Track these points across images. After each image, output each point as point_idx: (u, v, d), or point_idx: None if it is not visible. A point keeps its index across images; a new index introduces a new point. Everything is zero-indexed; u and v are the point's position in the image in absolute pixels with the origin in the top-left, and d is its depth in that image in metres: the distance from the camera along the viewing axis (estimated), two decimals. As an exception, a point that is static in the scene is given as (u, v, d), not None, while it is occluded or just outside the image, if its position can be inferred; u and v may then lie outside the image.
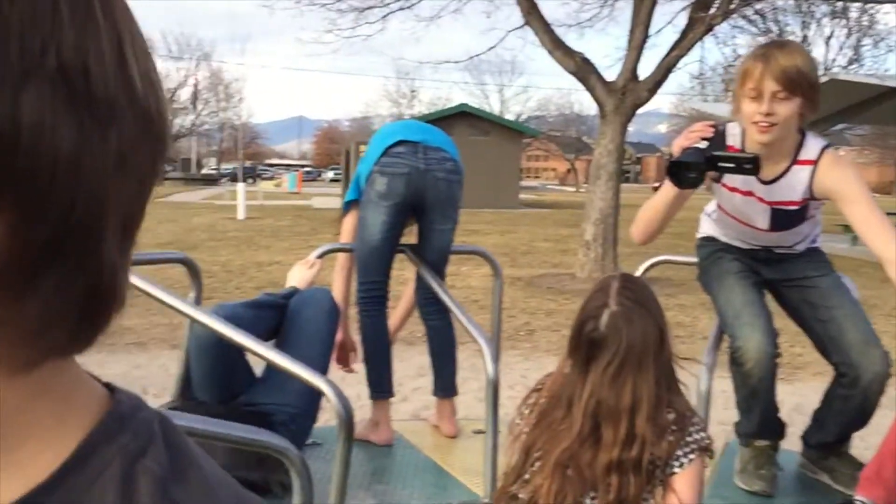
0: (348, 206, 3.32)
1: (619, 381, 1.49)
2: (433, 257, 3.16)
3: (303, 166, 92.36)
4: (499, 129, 28.75)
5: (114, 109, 0.37)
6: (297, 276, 3.07)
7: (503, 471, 1.69)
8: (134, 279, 2.32)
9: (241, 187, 21.13)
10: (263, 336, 2.75)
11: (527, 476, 1.57)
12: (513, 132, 29.80)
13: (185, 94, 58.91)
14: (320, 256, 3.20)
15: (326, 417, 3.52)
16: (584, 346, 1.55)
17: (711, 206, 2.79)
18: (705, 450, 1.56)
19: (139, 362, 5.66)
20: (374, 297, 3.18)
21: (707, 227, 2.85)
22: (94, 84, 0.36)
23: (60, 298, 0.37)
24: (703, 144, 2.28)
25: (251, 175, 58.75)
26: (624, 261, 11.10)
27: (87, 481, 0.39)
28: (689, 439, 1.53)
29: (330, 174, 68.57)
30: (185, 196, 35.34)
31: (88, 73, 0.35)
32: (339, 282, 3.35)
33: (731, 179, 2.46)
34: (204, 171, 73.07)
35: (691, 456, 1.53)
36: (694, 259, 2.88)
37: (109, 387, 0.44)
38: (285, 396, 2.67)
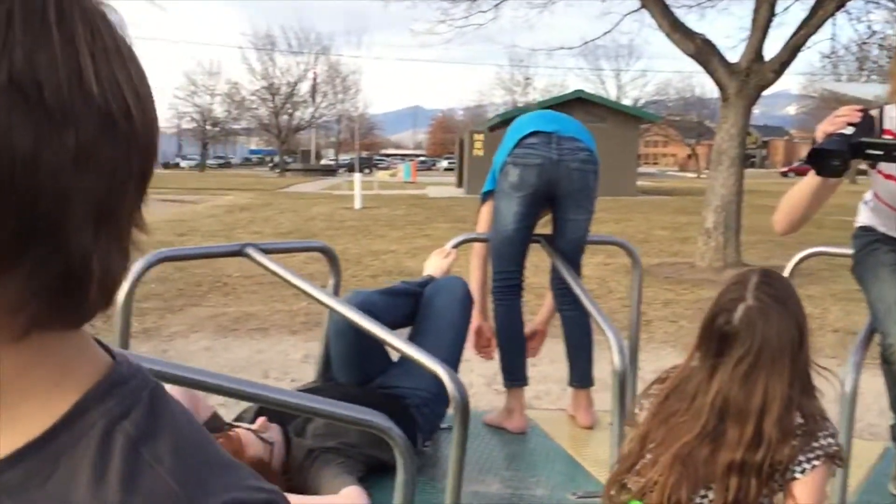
0: (485, 196, 3.35)
1: (751, 380, 1.42)
2: (568, 247, 3.14)
3: (417, 156, 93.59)
4: (615, 114, 28.17)
5: (68, 114, 0.42)
6: (433, 265, 3.15)
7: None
8: (276, 267, 2.46)
9: (357, 177, 21.59)
10: (398, 322, 2.90)
11: (638, 466, 1.52)
12: (630, 118, 29.13)
13: (304, 88, 60.73)
14: (456, 246, 3.26)
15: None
16: (715, 339, 1.48)
17: (869, 195, 2.61)
18: (832, 457, 1.46)
19: (261, 347, 5.87)
20: (508, 285, 3.19)
21: (864, 217, 2.66)
22: (46, 92, 0.41)
23: (36, 280, 0.43)
24: (850, 130, 2.12)
25: (367, 165, 59.98)
26: (747, 250, 10.65)
27: (75, 438, 0.45)
28: (814, 444, 1.44)
29: (444, 163, 69.15)
30: (305, 186, 36.47)
31: (40, 83, 0.40)
32: (476, 270, 3.39)
33: (887, 167, 2.29)
34: (322, 161, 75.17)
35: (815, 462, 1.44)
36: (849, 251, 2.70)
37: (116, 357, 0.51)
38: (419, 381, 2.74)
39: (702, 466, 1.42)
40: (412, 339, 2.90)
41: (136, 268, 2.46)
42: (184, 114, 68.59)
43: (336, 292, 2.93)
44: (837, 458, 1.47)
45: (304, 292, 2.45)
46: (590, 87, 49.92)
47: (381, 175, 45.23)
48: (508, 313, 3.21)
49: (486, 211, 3.33)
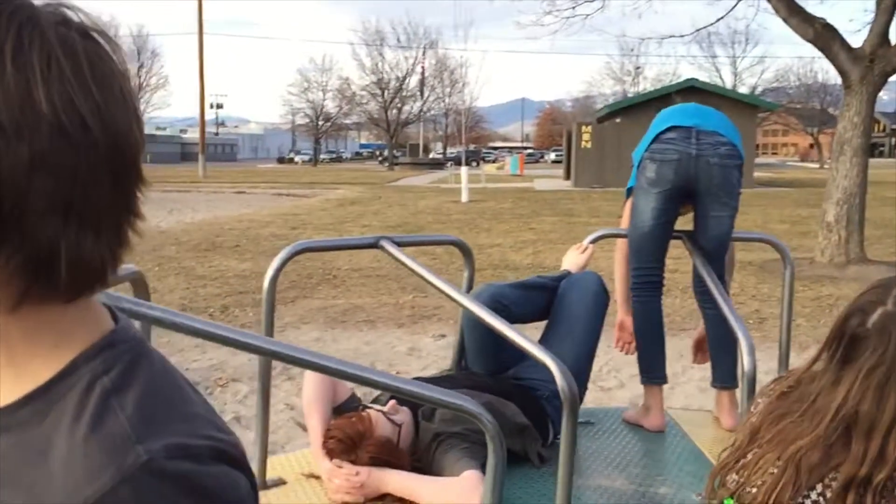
0: (629, 192, 3.35)
1: (885, 392, 1.34)
2: (710, 245, 3.09)
3: (525, 148, 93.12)
4: (731, 103, 27.14)
5: (20, 130, 0.52)
6: (570, 260, 3.18)
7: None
8: (408, 260, 2.55)
9: (464, 171, 21.71)
10: (531, 315, 2.98)
11: (740, 463, 1.48)
12: (746, 106, 28.03)
13: (412, 82, 61.44)
14: (594, 241, 3.26)
15: (596, 399, 3.57)
16: (845, 341, 1.41)
17: None
18: None
19: (368, 339, 6.01)
20: (646, 282, 3.17)
21: None
22: (2, 115, 0.52)
23: (13, 261, 0.54)
24: None
25: (475, 158, 60.14)
26: (872, 245, 10.09)
27: (65, 389, 0.57)
28: None
29: (552, 156, 68.52)
30: (413, 180, 36.95)
31: None
32: (620, 265, 3.39)
33: None
34: (431, 155, 75.90)
35: None
36: None
37: (118, 326, 0.62)
38: (551, 374, 2.78)
39: (808, 472, 1.37)
40: (546, 332, 2.96)
41: (279, 258, 2.57)
42: (297, 110, 70.69)
43: (470, 285, 3.00)
44: None
45: (432, 285, 2.51)
46: (704, 76, 48.37)
47: (487, 168, 45.29)
48: (646, 310, 3.18)
49: (628, 206, 3.33)
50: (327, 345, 5.70)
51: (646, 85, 60.13)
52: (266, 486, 2.48)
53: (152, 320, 1.90)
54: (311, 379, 2.61)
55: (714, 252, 3.11)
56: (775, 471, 1.40)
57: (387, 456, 2.40)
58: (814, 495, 1.37)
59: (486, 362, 2.92)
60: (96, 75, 0.57)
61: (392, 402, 2.52)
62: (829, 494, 1.35)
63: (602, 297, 3.00)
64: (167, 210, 18.31)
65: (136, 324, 2.10)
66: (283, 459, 2.77)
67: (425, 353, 5.58)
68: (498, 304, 2.82)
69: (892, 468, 1.32)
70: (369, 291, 7.88)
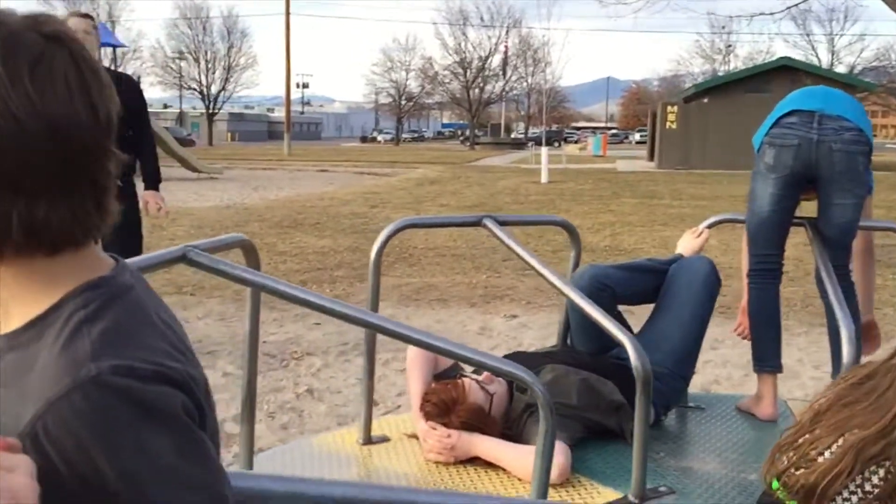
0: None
1: None
2: (833, 232, 3.01)
3: (609, 129, 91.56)
4: (826, 83, 25.86)
5: None
6: (684, 244, 3.18)
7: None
8: (509, 240, 2.66)
9: (544, 151, 21.54)
10: (636, 297, 3.04)
11: (800, 441, 1.45)
12: (843, 87, 26.74)
13: (495, 62, 61.07)
14: (710, 226, 3.24)
15: (706, 384, 3.53)
16: None
17: None
18: None
19: (440, 317, 6.06)
20: (763, 269, 3.12)
21: None
22: None
23: (3, 224, 0.71)
24: None
25: (557, 139, 59.49)
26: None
27: (52, 320, 0.74)
28: None
29: (637, 136, 67.15)
30: (494, 160, 36.84)
31: None
32: (744, 251, 3.35)
33: None
34: (513, 135, 75.45)
35: None
36: None
37: (111, 273, 0.80)
38: (655, 355, 2.77)
39: (864, 463, 1.34)
40: (652, 315, 2.99)
41: (385, 232, 2.75)
42: (381, 89, 71.27)
43: (576, 266, 3.03)
44: None
45: (530, 265, 2.57)
46: (798, 54, 46.46)
47: (569, 149, 44.78)
48: (761, 298, 3.13)
49: None
50: (400, 320, 5.78)
51: (737, 63, 58.25)
52: (371, 442, 2.73)
53: (260, 286, 2.11)
54: (414, 348, 2.74)
55: (837, 240, 3.02)
56: (830, 455, 1.37)
57: (477, 422, 2.53)
58: (852, 486, 1.33)
59: (588, 341, 2.96)
60: (36, 75, 0.72)
61: (488, 373, 2.62)
62: (867, 487, 1.31)
63: (712, 282, 2.96)
64: (252, 187, 18.80)
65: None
66: (391, 420, 3.03)
67: (496, 333, 5.59)
68: (600, 285, 2.86)
69: None
70: (443, 270, 7.93)
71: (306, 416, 4.10)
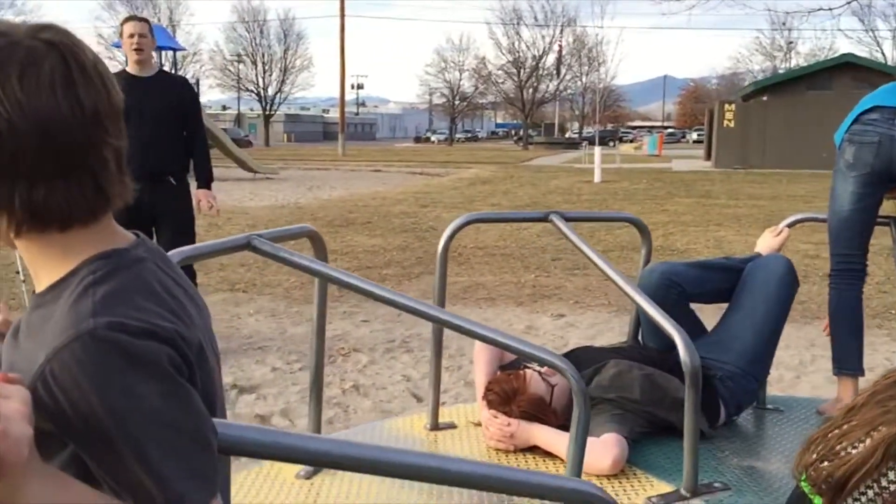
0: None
1: None
2: None
3: (665, 128, 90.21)
4: (890, 80, 25.31)
5: None
6: (763, 243, 3.15)
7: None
8: (574, 237, 2.68)
9: (597, 151, 21.35)
10: (708, 295, 3.01)
11: (829, 435, 1.44)
12: (908, 83, 26.00)
13: (549, 61, 60.72)
14: (790, 226, 3.20)
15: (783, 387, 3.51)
16: None
17: None
18: None
19: (487, 315, 6.07)
20: (843, 269, 3.06)
21: None
22: None
23: (8, 206, 0.85)
24: None
25: (612, 138, 58.87)
26: None
27: (69, 283, 0.88)
28: None
29: (694, 135, 66.04)
30: (547, 160, 36.63)
31: None
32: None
33: None
34: (567, 135, 74.93)
35: None
36: None
37: (125, 247, 0.94)
38: (726, 354, 2.80)
39: (892, 458, 1.32)
40: (725, 314, 2.95)
41: (451, 226, 2.81)
42: (434, 90, 71.50)
43: (647, 262, 3.04)
44: None
45: (593, 262, 2.58)
46: (863, 51, 45.10)
47: (624, 148, 44.28)
48: (841, 299, 3.06)
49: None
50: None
51: (799, 61, 56.85)
52: (438, 428, 2.86)
53: (325, 277, 2.24)
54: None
55: None
56: (858, 450, 1.35)
57: (536, 411, 2.60)
58: (868, 480, 1.30)
59: (658, 338, 2.94)
60: (25, 79, 0.84)
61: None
62: (883, 482, 1.29)
63: (788, 281, 2.89)
64: (307, 187, 19.05)
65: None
66: (458, 408, 3.13)
67: (542, 332, 5.58)
68: (669, 282, 2.86)
69: None
70: (492, 269, 7.93)
71: (351, 412, 4.15)
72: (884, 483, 1.30)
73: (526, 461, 2.55)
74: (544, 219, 2.82)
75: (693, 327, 2.93)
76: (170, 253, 2.05)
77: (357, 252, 9.04)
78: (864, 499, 1.32)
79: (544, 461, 2.54)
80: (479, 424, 2.79)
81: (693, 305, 3.01)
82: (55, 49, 0.87)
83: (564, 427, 2.60)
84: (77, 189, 0.87)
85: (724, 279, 2.96)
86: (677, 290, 2.87)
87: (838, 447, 1.37)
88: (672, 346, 2.89)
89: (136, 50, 4.50)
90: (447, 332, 5.07)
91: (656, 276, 2.88)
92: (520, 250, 9.20)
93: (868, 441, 1.34)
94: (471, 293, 6.81)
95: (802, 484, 1.43)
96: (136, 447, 0.80)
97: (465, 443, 2.73)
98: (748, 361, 2.81)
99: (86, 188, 0.88)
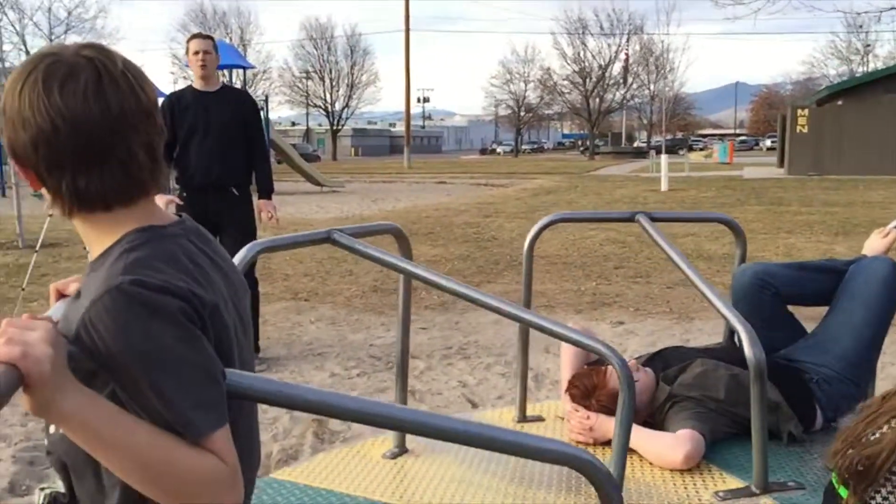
0: None
1: None
2: None
3: (737, 135, 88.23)
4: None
5: (24, 126, 1.07)
6: (870, 245, 3.11)
7: None
8: (660, 239, 2.71)
9: (664, 159, 21.04)
10: (805, 296, 2.98)
11: (863, 420, 1.42)
12: None
13: (616, 70, 60.15)
14: None
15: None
16: None
17: None
18: None
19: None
20: None
21: None
22: (7, 115, 1.10)
23: (51, 192, 1.10)
24: None
25: (682, 146, 57.89)
26: None
27: (111, 253, 1.09)
28: None
29: (767, 142, 64.37)
30: (613, 169, 36.24)
31: (5, 113, 1.10)
32: None
33: None
34: (635, 144, 73.98)
35: None
36: None
37: (163, 224, 1.15)
38: (824, 357, 2.79)
39: None
40: (826, 316, 2.91)
41: (537, 225, 2.98)
42: (500, 101, 71.56)
43: (741, 262, 3.03)
44: None
45: (677, 265, 2.60)
46: (946, 50, 43.25)
47: (693, 156, 43.46)
48: None
49: None
50: (504, 328, 5.81)
51: (877, 64, 54.93)
52: (526, 420, 3.06)
53: (410, 274, 2.39)
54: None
55: None
56: (883, 435, 1.33)
57: (614, 406, 2.65)
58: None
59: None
60: (64, 88, 1.04)
61: (633, 361, 2.85)
62: None
63: (892, 284, 2.81)
64: (372, 199, 19.30)
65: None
66: (546, 404, 3.32)
67: (601, 339, 5.54)
68: (762, 282, 2.84)
69: None
70: (553, 278, 7.90)
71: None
72: None
73: (604, 456, 2.59)
74: (630, 219, 2.84)
75: (790, 329, 2.94)
76: (254, 243, 2.25)
77: (419, 261, 9.06)
78: (889, 486, 1.29)
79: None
80: (563, 418, 2.91)
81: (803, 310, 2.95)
82: (91, 63, 1.07)
83: (647, 423, 2.71)
84: (110, 177, 1.08)
85: (824, 280, 2.90)
86: (771, 290, 2.84)
87: (863, 435, 1.35)
88: (771, 348, 2.81)
89: (201, 66, 4.68)
90: (510, 338, 5.12)
91: (748, 276, 2.85)
92: (581, 259, 9.14)
93: (891, 427, 1.32)
94: (532, 301, 6.80)
95: (832, 476, 1.41)
96: (152, 379, 0.97)
97: (551, 434, 2.82)
98: (846, 365, 2.76)
99: (117, 176, 1.08)
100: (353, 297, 7.01)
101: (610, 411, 2.64)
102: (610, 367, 2.73)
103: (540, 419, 3.04)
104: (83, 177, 1.06)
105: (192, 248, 1.13)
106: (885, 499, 1.33)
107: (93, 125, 1.04)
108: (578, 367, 2.92)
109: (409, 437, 2.85)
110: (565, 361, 2.99)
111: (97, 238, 1.12)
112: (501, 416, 3.09)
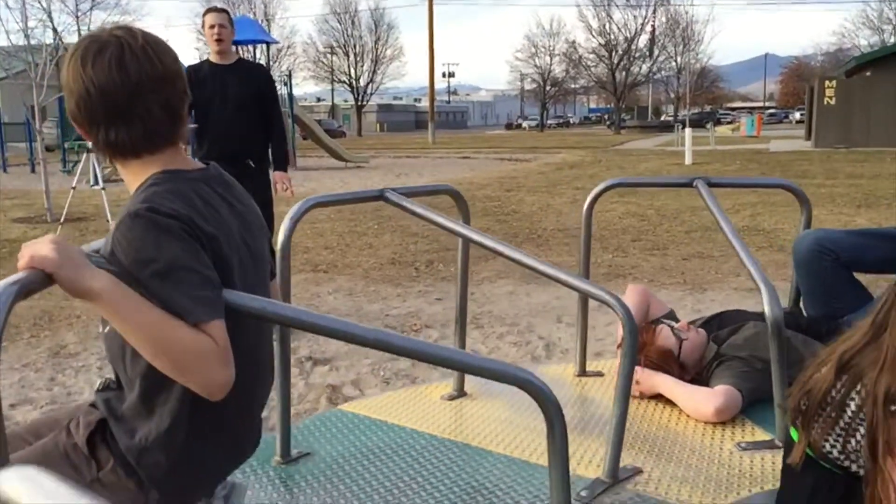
0: None
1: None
2: None
3: (766, 108, 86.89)
4: None
5: (70, 94, 1.41)
6: None
7: None
8: (713, 206, 2.75)
9: (688, 132, 20.85)
10: (867, 263, 2.99)
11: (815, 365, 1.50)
12: None
13: (642, 42, 59.38)
14: None
15: None
16: None
17: None
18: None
19: (559, 294, 6.11)
20: None
21: None
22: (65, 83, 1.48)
23: (96, 141, 1.42)
24: None
25: (709, 120, 57.23)
26: None
27: (138, 189, 1.41)
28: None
29: (797, 115, 63.39)
30: (638, 143, 35.96)
31: (68, 85, 1.42)
32: None
33: None
34: (662, 118, 73.18)
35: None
36: None
37: (185, 168, 1.47)
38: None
39: (840, 370, 1.37)
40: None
41: (593, 192, 3.13)
42: (525, 75, 71.03)
43: (806, 228, 3.08)
44: None
45: (722, 229, 2.66)
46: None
47: (721, 130, 42.96)
48: None
49: None
50: (519, 298, 5.89)
51: (910, 33, 53.70)
52: (585, 375, 3.23)
53: (467, 239, 2.55)
54: (630, 293, 3.22)
55: None
56: (822, 372, 1.41)
57: (660, 362, 2.84)
58: (855, 402, 1.35)
59: (816, 306, 2.97)
60: (95, 62, 1.34)
61: (683, 321, 3.03)
62: (859, 399, 1.34)
63: None
64: (395, 174, 19.37)
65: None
66: (607, 361, 3.49)
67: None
68: (822, 249, 2.86)
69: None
70: (570, 251, 7.95)
71: (420, 383, 4.30)
72: (850, 409, 1.34)
73: (649, 406, 2.85)
74: (689, 184, 2.90)
75: (855, 296, 2.94)
76: (308, 198, 2.42)
77: (438, 235, 9.19)
78: (837, 430, 1.36)
79: (664, 407, 2.82)
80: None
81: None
82: (118, 41, 1.36)
83: (696, 380, 2.83)
84: (134, 130, 1.37)
85: (886, 248, 2.88)
86: (831, 257, 2.85)
87: (810, 377, 1.42)
88: (832, 315, 2.89)
89: (216, 40, 4.76)
90: (523, 308, 5.18)
91: (808, 243, 2.86)
92: (600, 232, 9.17)
93: (827, 367, 1.40)
94: (546, 273, 6.86)
95: (788, 420, 1.48)
96: (162, 279, 1.26)
97: (603, 388, 3.07)
98: None
99: (139, 130, 1.37)
100: (370, 270, 7.12)
101: (657, 367, 2.83)
102: (659, 326, 2.93)
103: (599, 374, 3.22)
104: (113, 130, 1.37)
105: (207, 191, 1.42)
106: (835, 441, 1.39)
107: (115, 90, 1.34)
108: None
109: (467, 381, 3.11)
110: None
111: (132, 179, 1.42)
112: (565, 370, 3.28)
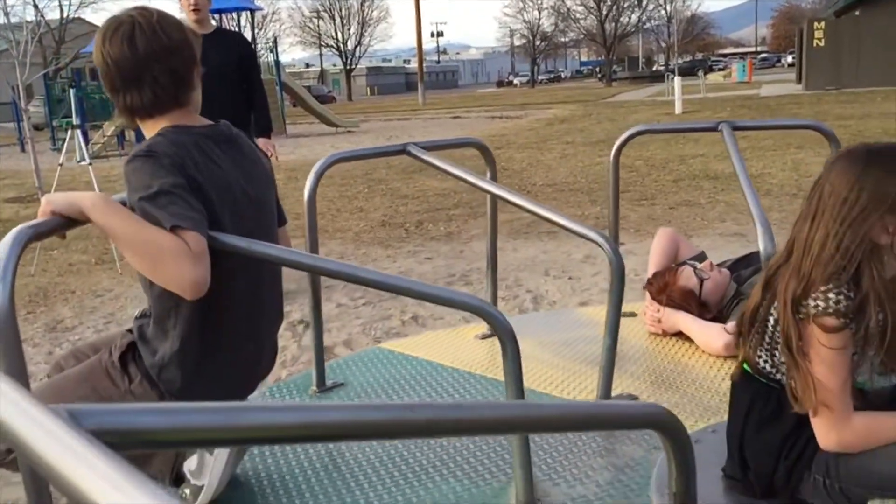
0: None
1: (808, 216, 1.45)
2: None
3: (758, 52, 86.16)
4: None
5: (99, 67, 1.78)
6: None
7: None
8: (734, 152, 2.75)
9: (677, 82, 20.76)
10: None
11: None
12: None
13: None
14: None
15: None
16: None
17: None
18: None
19: (547, 248, 6.21)
20: None
21: None
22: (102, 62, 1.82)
23: (117, 104, 1.74)
24: None
25: (701, 67, 56.79)
26: None
27: (152, 138, 1.73)
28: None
29: (789, 59, 62.88)
30: (629, 95, 35.79)
31: (102, 59, 1.76)
32: None
33: None
34: (654, 68, 72.63)
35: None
36: None
37: (194, 125, 1.77)
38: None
39: (766, 285, 1.48)
40: None
41: (619, 140, 3.20)
42: (514, 31, 70.35)
43: None
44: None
45: (737, 174, 2.66)
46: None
47: (712, 77, 42.71)
48: None
49: None
50: (506, 253, 5.97)
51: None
52: (623, 315, 3.21)
53: (494, 196, 2.70)
54: (659, 236, 3.42)
55: None
56: (754, 290, 1.52)
57: (682, 302, 3.04)
58: (775, 315, 1.45)
59: None
60: (113, 38, 1.64)
61: (708, 261, 3.20)
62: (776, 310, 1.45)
63: None
64: (386, 138, 19.32)
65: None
66: (640, 305, 3.56)
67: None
68: None
69: (807, 285, 1.38)
70: (558, 204, 8.01)
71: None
72: (771, 320, 1.44)
73: (668, 342, 3.07)
74: (714, 129, 2.97)
75: None
76: (332, 154, 2.68)
77: (428, 196, 9.26)
78: (757, 335, 1.47)
79: (682, 343, 3.02)
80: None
81: None
82: (132, 19, 1.63)
83: (717, 318, 3.00)
84: (145, 95, 1.65)
85: None
86: None
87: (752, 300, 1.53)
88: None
89: (193, 10, 4.77)
90: (511, 263, 5.24)
91: None
92: (590, 185, 9.24)
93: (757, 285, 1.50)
94: (534, 227, 6.93)
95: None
96: (152, 200, 1.51)
97: (635, 328, 3.26)
98: None
99: (149, 94, 1.65)
100: (361, 233, 7.20)
101: (678, 306, 3.03)
102: (685, 267, 3.10)
103: (633, 314, 3.37)
104: (128, 95, 1.66)
105: (208, 144, 1.68)
106: (765, 354, 1.50)
107: (125, 61, 1.63)
108: (662, 265, 3.26)
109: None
110: (652, 258, 3.35)
111: (148, 135, 1.69)
112: (599, 312, 3.39)
